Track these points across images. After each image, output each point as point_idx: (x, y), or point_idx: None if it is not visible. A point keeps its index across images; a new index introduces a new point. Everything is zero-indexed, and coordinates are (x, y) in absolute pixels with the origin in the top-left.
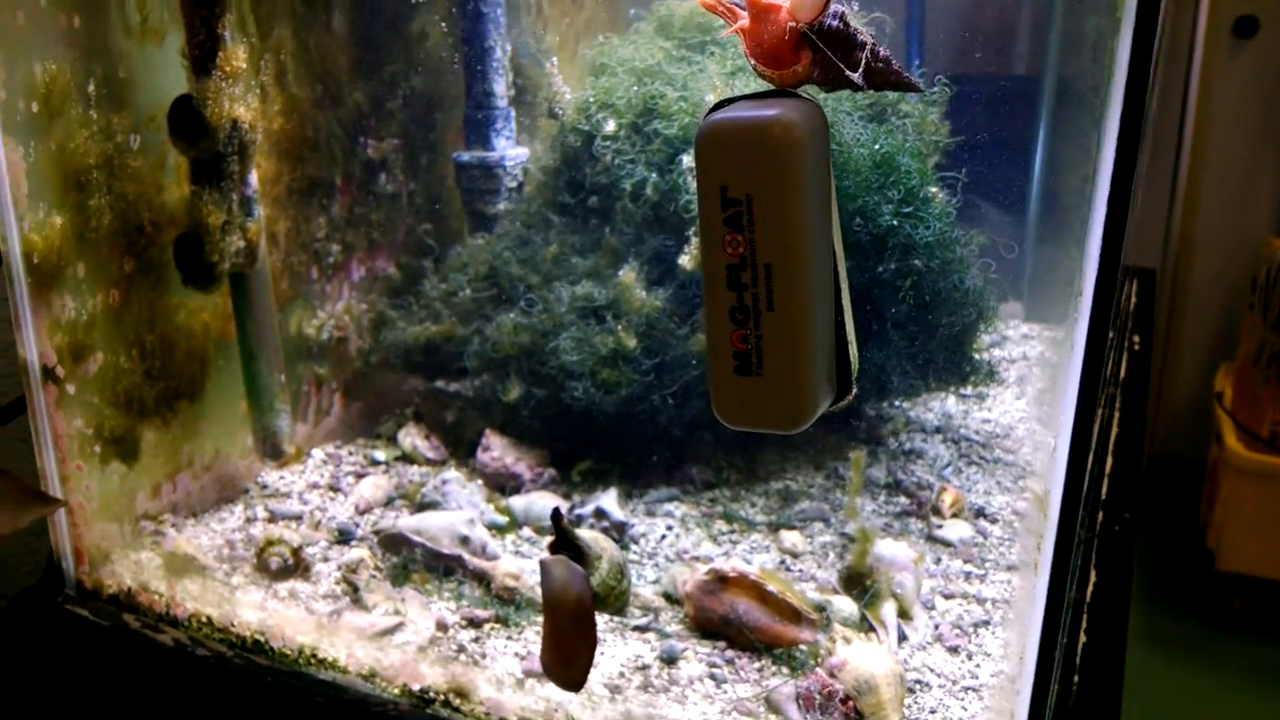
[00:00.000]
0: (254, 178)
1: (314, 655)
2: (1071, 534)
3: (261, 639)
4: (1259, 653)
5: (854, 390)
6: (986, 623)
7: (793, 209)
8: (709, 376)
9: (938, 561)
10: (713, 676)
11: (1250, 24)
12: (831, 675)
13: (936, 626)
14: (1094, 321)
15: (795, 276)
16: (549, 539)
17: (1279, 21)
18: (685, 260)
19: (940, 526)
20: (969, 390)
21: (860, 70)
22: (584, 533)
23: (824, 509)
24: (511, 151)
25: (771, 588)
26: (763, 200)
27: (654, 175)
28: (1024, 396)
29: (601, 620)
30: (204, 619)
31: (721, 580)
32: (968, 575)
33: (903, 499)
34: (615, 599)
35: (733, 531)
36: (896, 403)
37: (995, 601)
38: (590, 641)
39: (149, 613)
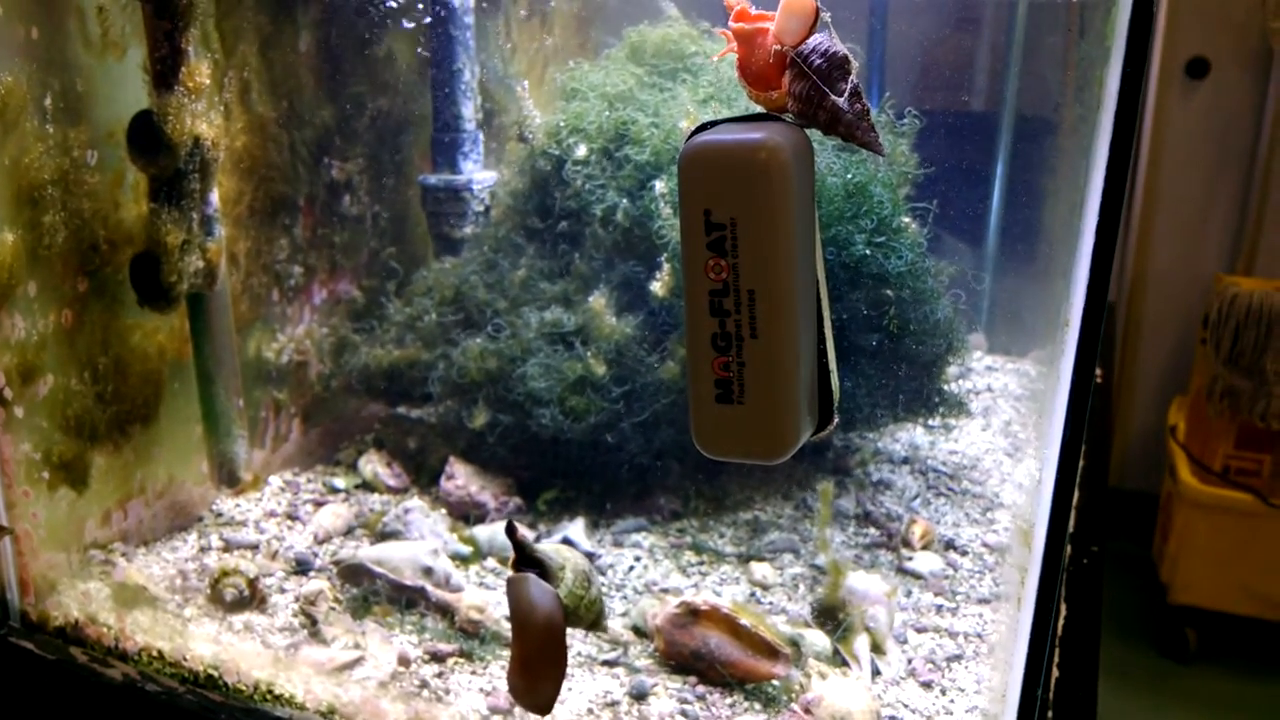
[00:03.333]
0: (215, 196)
1: (270, 691)
2: (1056, 568)
3: (215, 674)
4: (1215, 685)
5: (836, 420)
6: (959, 657)
7: (777, 234)
8: (690, 405)
9: (909, 594)
10: (684, 713)
11: (1201, 65)
12: (807, 712)
13: (909, 661)
14: (1080, 354)
15: (779, 303)
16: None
17: (1229, 63)
18: (657, 286)
19: (911, 559)
20: (936, 422)
21: (830, 111)
22: (544, 545)
23: (794, 540)
24: (479, 175)
25: (744, 621)
26: (747, 225)
27: (625, 201)
28: (990, 428)
29: (572, 653)
30: (155, 653)
31: (693, 613)
32: (939, 608)
33: (872, 530)
34: (586, 610)
35: (702, 563)
36: (864, 434)
37: (968, 635)
38: (560, 661)
39: (97, 646)
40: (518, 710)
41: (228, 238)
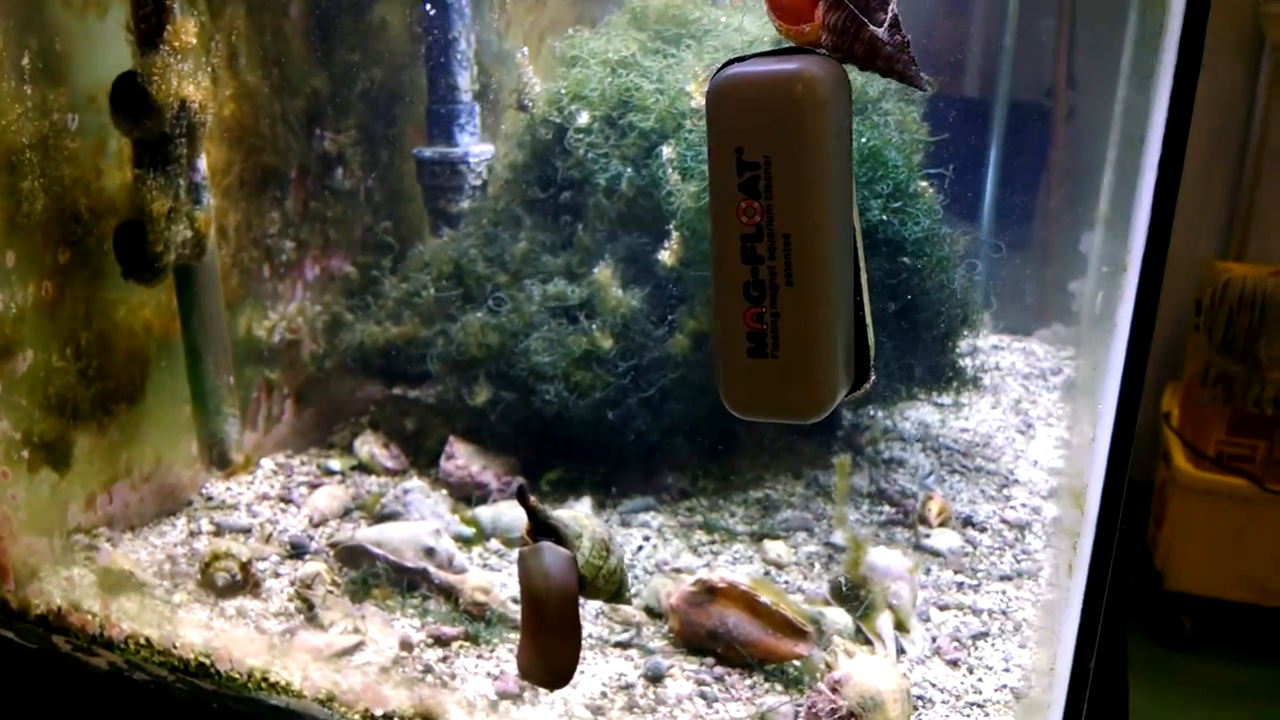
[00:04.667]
0: (203, 163)
1: (265, 679)
2: (1112, 531)
3: (207, 661)
4: (1211, 671)
5: (872, 377)
6: (985, 634)
7: (815, 173)
8: (718, 361)
9: (928, 572)
10: (702, 695)
11: None
12: (834, 691)
13: (934, 639)
14: (1139, 306)
15: (817, 247)
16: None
17: (1221, 49)
18: (666, 255)
19: (928, 536)
20: (947, 399)
21: (868, 44)
22: (560, 512)
23: (807, 518)
24: (476, 148)
25: (764, 599)
26: (783, 163)
27: (629, 170)
28: (999, 406)
29: (583, 634)
30: (142, 640)
31: (710, 591)
32: (960, 586)
33: (887, 508)
34: (605, 580)
35: (713, 542)
36: (873, 410)
37: (991, 612)
38: (576, 633)
39: (81, 634)
40: (528, 694)
41: (216, 210)
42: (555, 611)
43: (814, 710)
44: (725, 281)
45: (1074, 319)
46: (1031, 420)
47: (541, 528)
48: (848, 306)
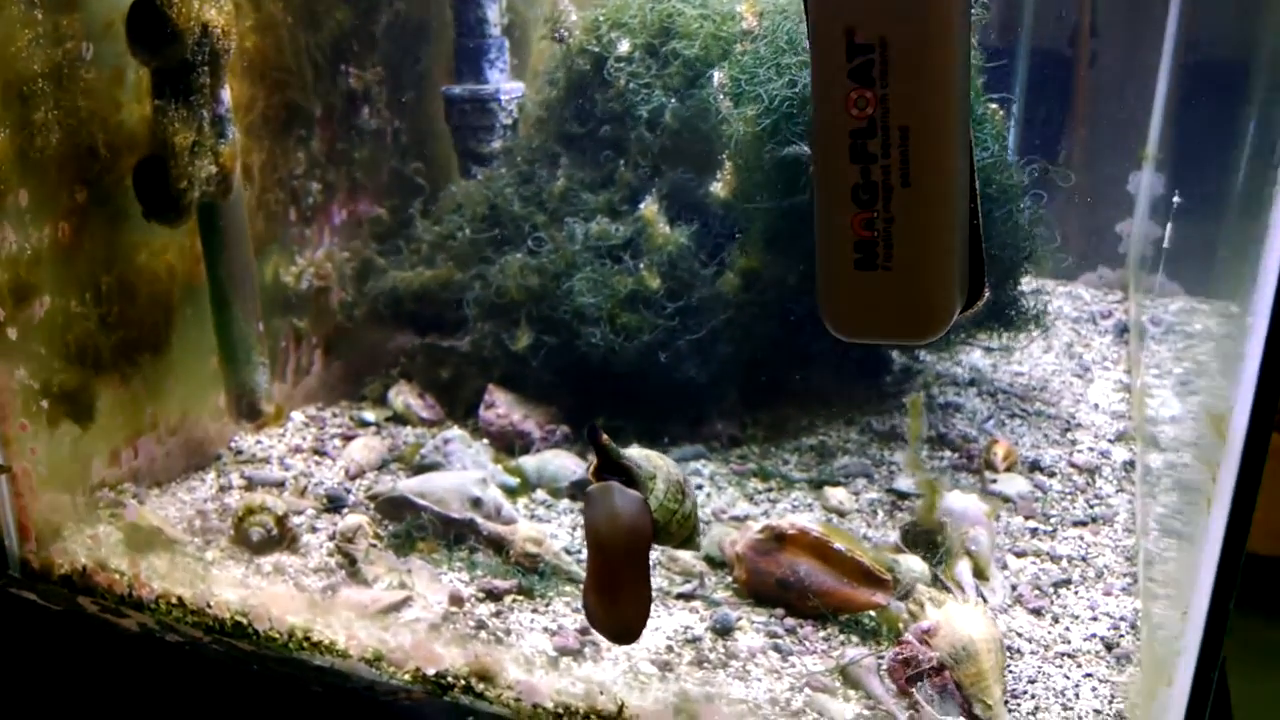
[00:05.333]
0: (226, 94)
1: (307, 638)
2: (1259, 459)
3: (244, 621)
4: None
5: (987, 294)
6: (1067, 582)
7: (940, 56)
8: (819, 276)
9: (998, 518)
10: (776, 648)
11: None
12: (923, 642)
13: (1014, 587)
14: None
15: (938, 141)
16: (587, 470)
17: None
18: (718, 188)
19: (995, 481)
20: (995, 343)
21: None
22: (632, 451)
23: (866, 464)
24: (507, 85)
25: (838, 545)
26: (902, 45)
27: (673, 101)
28: (1051, 350)
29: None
30: (174, 600)
31: (779, 539)
32: (1034, 532)
33: (948, 453)
34: (679, 526)
35: (770, 489)
36: (922, 355)
37: (1071, 559)
38: (645, 581)
39: (109, 595)
40: (588, 650)
41: (241, 148)
42: (623, 558)
43: (901, 662)
44: (830, 185)
45: (1121, 261)
46: (1087, 364)
47: (611, 467)
48: (965, 210)
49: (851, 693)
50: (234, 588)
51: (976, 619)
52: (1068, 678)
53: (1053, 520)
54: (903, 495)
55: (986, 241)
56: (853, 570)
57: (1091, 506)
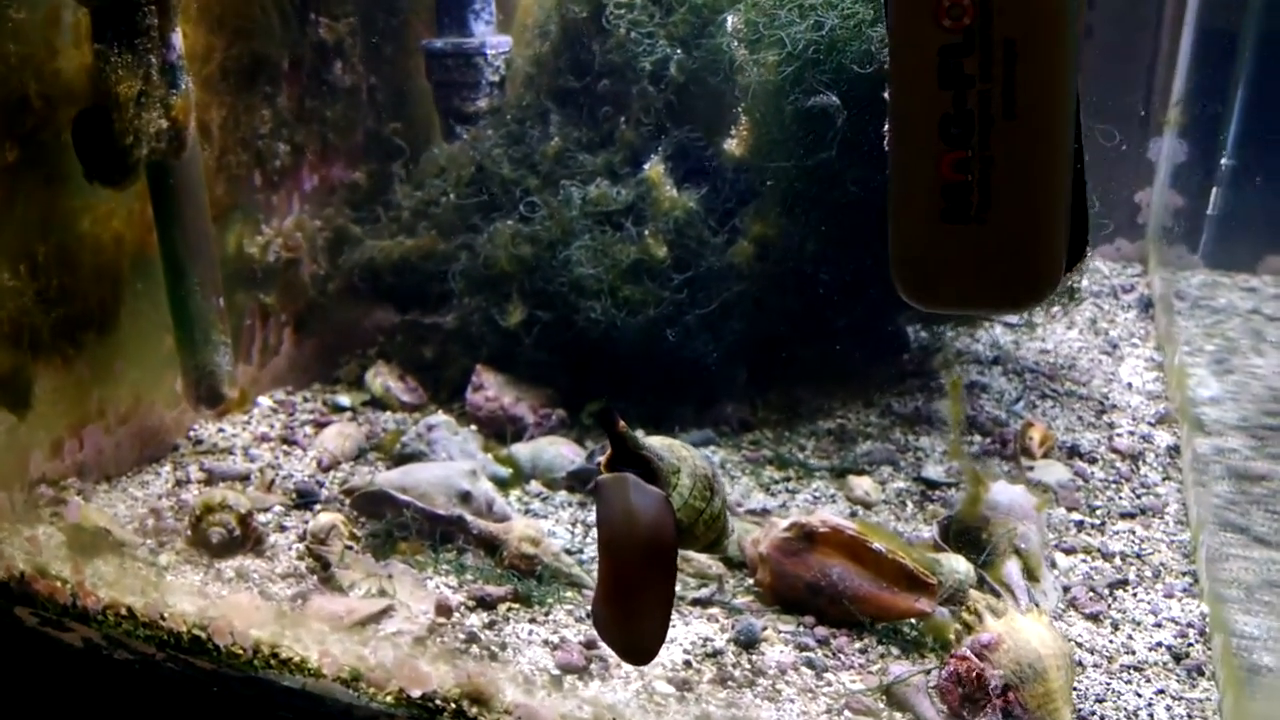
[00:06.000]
0: (178, 38)
1: (274, 654)
2: None
3: (202, 635)
4: None
5: (1089, 252)
6: (1123, 583)
7: None
8: (892, 231)
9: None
10: (809, 663)
11: None
12: (981, 658)
13: (1067, 589)
14: None
15: (1052, 61)
16: (599, 460)
17: None
18: (732, 145)
19: (1031, 468)
20: (1018, 319)
21: None
22: (653, 440)
23: (890, 450)
24: (493, 38)
25: (876, 545)
26: None
27: (678, 52)
28: (1075, 326)
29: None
30: (123, 611)
31: (808, 537)
32: (1080, 525)
33: (979, 437)
34: (705, 528)
35: (788, 479)
36: (939, 330)
37: (1125, 556)
38: (667, 591)
39: (49, 605)
40: (596, 666)
41: (198, 104)
42: (641, 565)
43: (956, 680)
44: (911, 117)
45: (1140, 232)
46: (1114, 340)
47: (628, 458)
48: (1072, 149)
49: (898, 715)
50: (191, 597)
51: (1042, 631)
52: (1139, 695)
53: (1099, 512)
54: (933, 484)
55: None
56: (893, 573)
57: (1138, 496)
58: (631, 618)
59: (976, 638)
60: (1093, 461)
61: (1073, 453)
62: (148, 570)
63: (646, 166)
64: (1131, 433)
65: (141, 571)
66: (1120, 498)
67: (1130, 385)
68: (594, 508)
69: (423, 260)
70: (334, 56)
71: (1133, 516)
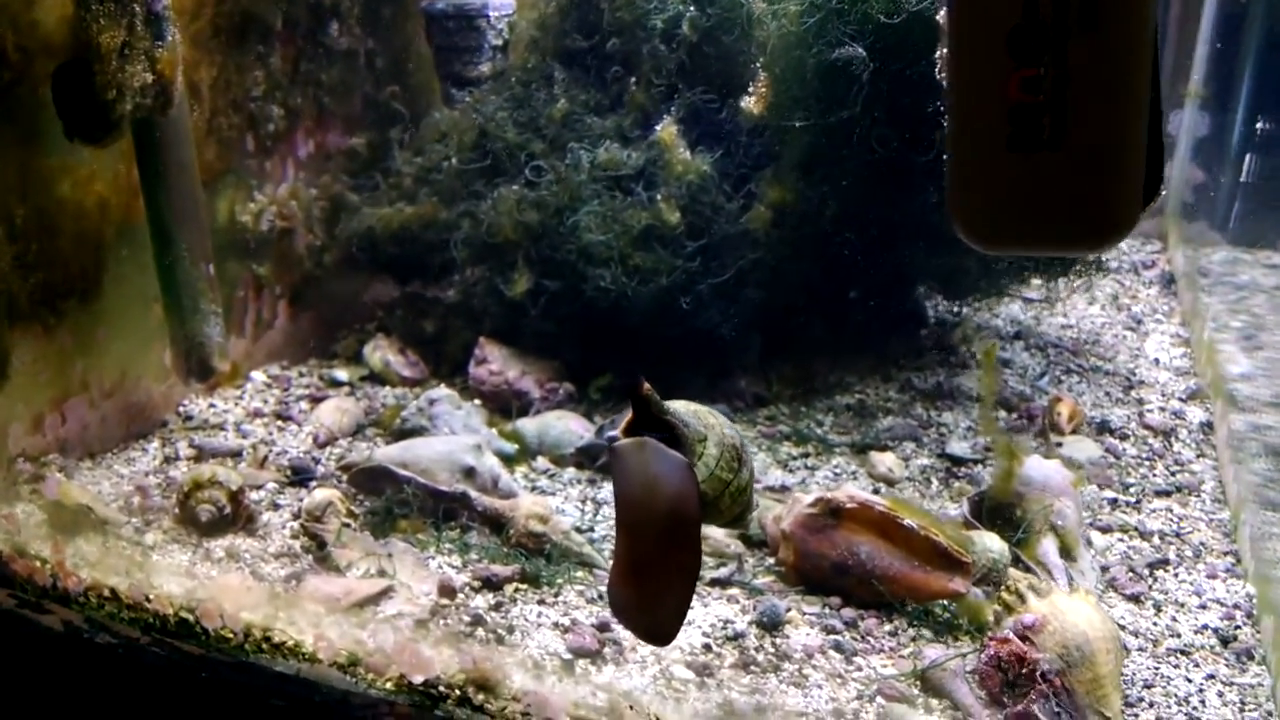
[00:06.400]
0: None
1: (267, 638)
2: None
3: (190, 618)
4: None
5: (1163, 191)
6: (1163, 562)
7: None
8: (950, 161)
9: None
10: (837, 646)
11: None
12: (1026, 640)
13: (1105, 569)
14: None
15: None
16: (619, 426)
17: None
18: (750, 103)
19: (1060, 444)
20: (1035, 294)
21: None
22: (678, 405)
23: (912, 426)
24: (496, 0)
25: (907, 521)
26: None
27: (691, 9)
28: (1096, 302)
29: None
30: (106, 593)
31: (834, 514)
32: (1113, 503)
33: (1004, 413)
34: (731, 501)
35: (806, 455)
36: (957, 305)
37: (1163, 535)
38: (690, 567)
39: (28, 586)
40: (610, 650)
41: (186, 62)
42: (662, 538)
43: (996, 664)
44: (974, 29)
45: (1158, 209)
46: (1138, 316)
47: (650, 424)
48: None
49: (934, 702)
50: (179, 577)
51: (1089, 612)
52: (1189, 680)
53: (1132, 489)
54: (958, 461)
55: None
56: (925, 551)
57: (1173, 474)
58: (651, 596)
59: (1019, 619)
60: (1124, 438)
61: (1103, 429)
62: (132, 550)
63: (659, 128)
64: (1162, 409)
65: (126, 551)
66: (1154, 475)
67: (1157, 361)
68: (604, 484)
69: (424, 229)
70: (330, 17)
71: (1168, 494)
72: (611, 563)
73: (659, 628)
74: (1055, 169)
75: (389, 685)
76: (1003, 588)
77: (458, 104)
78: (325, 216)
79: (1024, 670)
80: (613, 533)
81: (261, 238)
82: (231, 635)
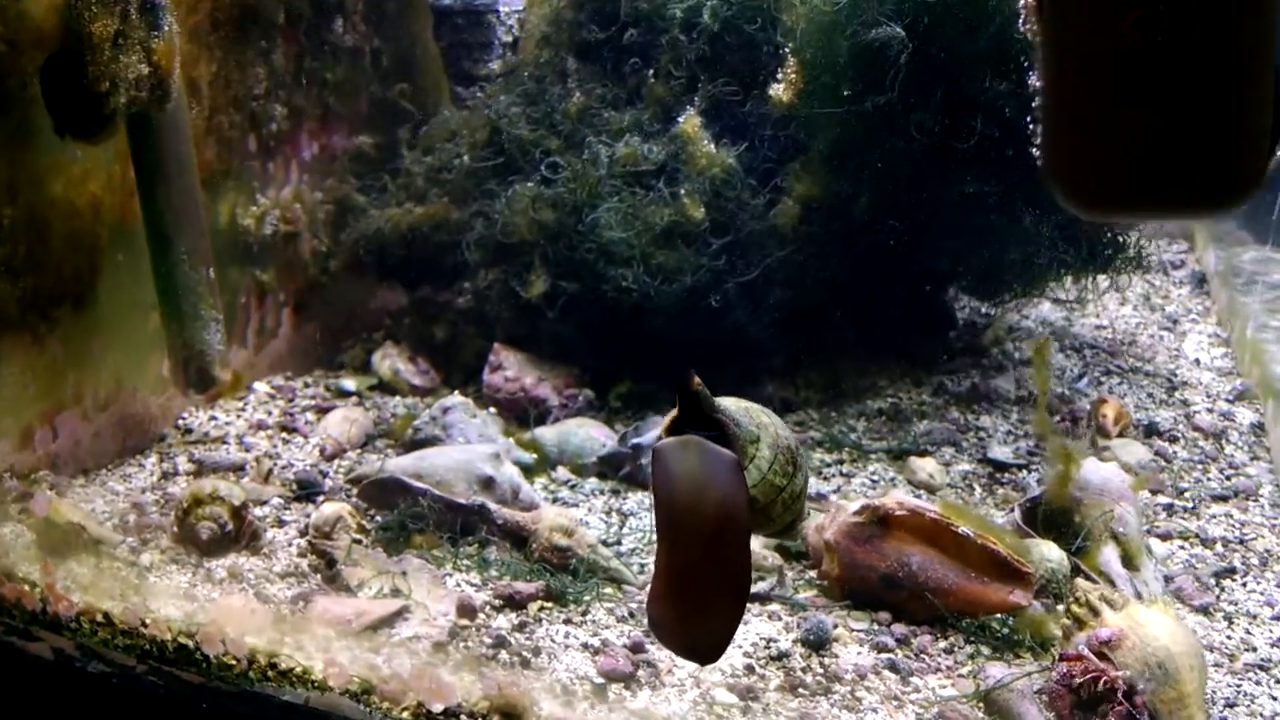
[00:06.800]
0: None
1: (273, 665)
2: None
3: (189, 643)
4: None
5: None
6: (1230, 571)
7: None
8: (1047, 120)
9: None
10: (891, 666)
11: None
12: (1102, 657)
13: (1168, 579)
14: None
15: None
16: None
17: None
18: (779, 89)
19: (1107, 448)
20: (1067, 295)
21: None
22: (727, 402)
23: (951, 430)
24: None
25: (963, 529)
26: None
27: None
28: (1128, 303)
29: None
30: (99, 617)
31: (882, 522)
32: (1169, 509)
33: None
34: (784, 509)
35: (840, 462)
36: (984, 308)
37: (1227, 542)
38: (742, 576)
39: (16, 611)
40: (645, 673)
41: (184, 57)
42: (709, 542)
43: (1067, 683)
44: None
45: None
46: (1173, 316)
47: (698, 422)
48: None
49: None
50: (178, 600)
51: (1171, 625)
52: (1273, 698)
53: (1187, 494)
54: (1001, 466)
55: None
56: (981, 561)
57: (1228, 478)
58: (696, 610)
59: (1094, 633)
60: (1173, 440)
61: (1150, 431)
62: (128, 571)
63: (681, 119)
64: (1210, 410)
65: (121, 572)
66: (1209, 479)
67: (1198, 361)
68: (629, 495)
69: (434, 230)
70: (335, 13)
71: (1226, 499)
72: (651, 576)
73: (705, 645)
74: (1171, 122)
75: (406, 714)
76: (1070, 599)
77: (468, 102)
78: (331, 220)
79: (1101, 689)
80: (641, 546)
81: (264, 242)
82: (235, 662)
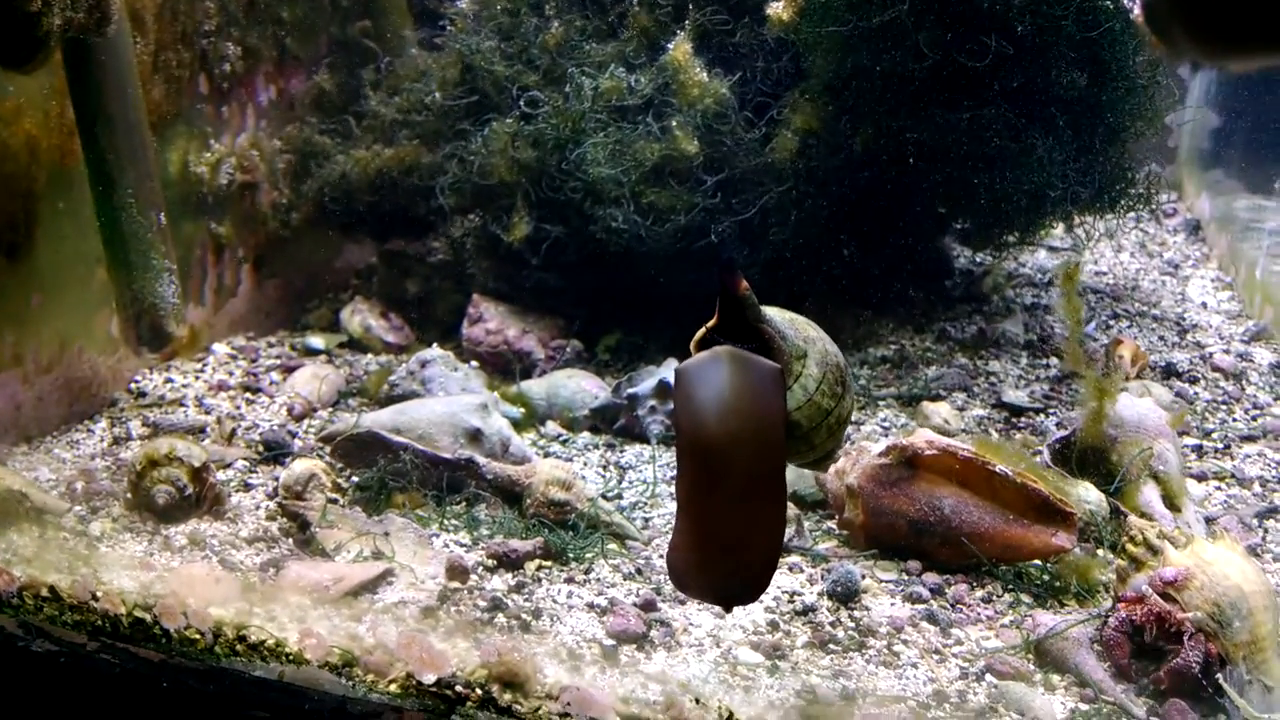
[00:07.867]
0: None
1: (241, 638)
2: None
3: (146, 617)
4: None
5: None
6: (1273, 511)
7: None
8: None
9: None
10: (930, 618)
11: None
12: (1167, 597)
13: (1209, 520)
14: None
15: None
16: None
17: None
18: (778, 9)
19: (1126, 389)
20: (1062, 241)
21: None
22: (771, 312)
23: (961, 375)
24: None
25: (1000, 468)
26: None
27: None
28: (1123, 250)
29: None
30: (44, 592)
31: (910, 463)
32: (1198, 450)
33: (1055, 360)
34: (826, 435)
35: None
36: (978, 256)
37: (1264, 482)
38: (779, 504)
39: None
40: (658, 632)
41: None
42: (746, 464)
43: (1127, 630)
44: None
45: (1171, 156)
46: (1173, 262)
47: (738, 332)
48: None
49: (1055, 678)
50: (133, 570)
51: (1241, 563)
52: None
53: (1215, 435)
54: (1017, 410)
55: (1108, 90)
56: (1020, 502)
57: (1253, 418)
58: (728, 546)
59: (1156, 573)
60: (1194, 381)
61: (1169, 372)
62: (76, 541)
63: (670, 47)
64: (1226, 351)
65: (68, 543)
66: (1234, 419)
67: (1205, 305)
68: (625, 448)
69: (404, 174)
70: None
71: (1255, 439)
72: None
73: (739, 583)
74: None
75: (394, 688)
76: (1125, 538)
77: (435, 38)
78: (291, 170)
79: (1165, 632)
80: (643, 500)
81: (220, 193)
82: (198, 636)
